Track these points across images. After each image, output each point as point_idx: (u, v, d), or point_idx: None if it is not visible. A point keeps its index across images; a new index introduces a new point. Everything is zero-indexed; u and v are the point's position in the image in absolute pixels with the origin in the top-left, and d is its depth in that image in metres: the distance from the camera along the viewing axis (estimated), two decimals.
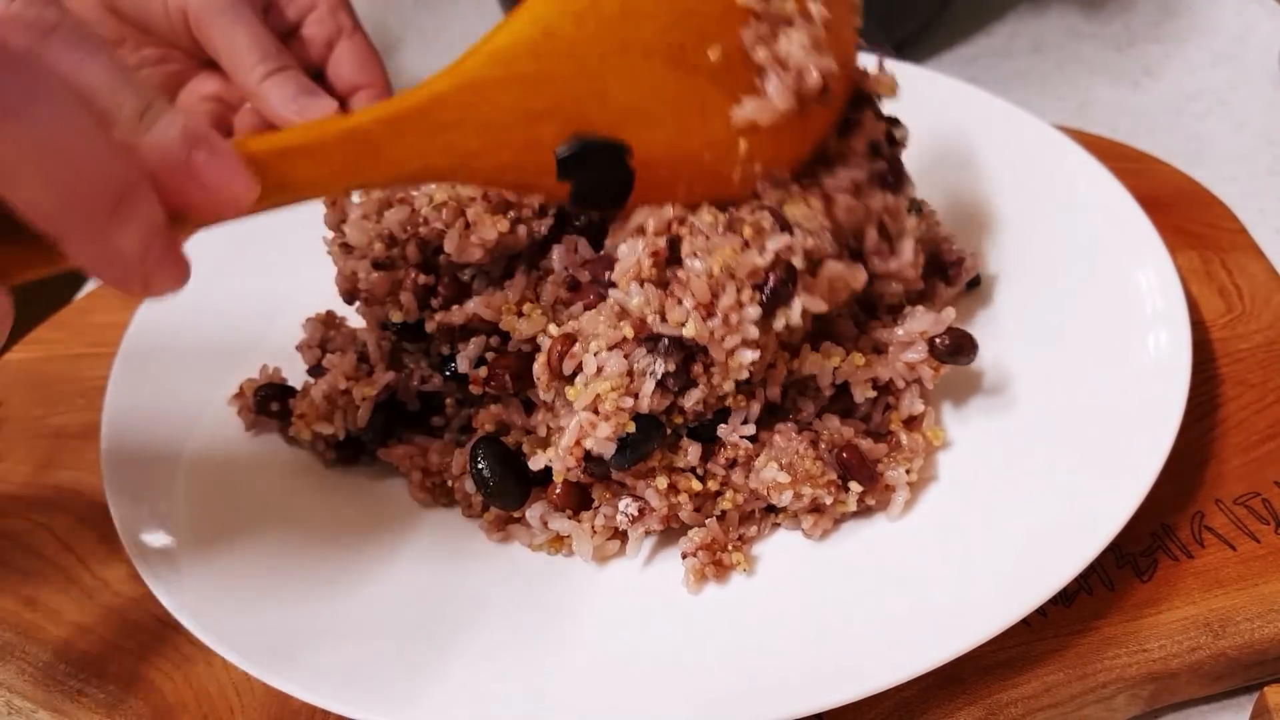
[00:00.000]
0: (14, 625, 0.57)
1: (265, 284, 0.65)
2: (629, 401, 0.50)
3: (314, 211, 0.62)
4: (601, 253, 0.55)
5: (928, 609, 0.49)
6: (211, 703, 0.52)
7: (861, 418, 0.57)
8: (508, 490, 0.55)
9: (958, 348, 0.56)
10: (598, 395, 0.50)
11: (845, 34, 0.55)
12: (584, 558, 0.54)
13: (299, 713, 0.52)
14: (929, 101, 0.77)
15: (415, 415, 0.61)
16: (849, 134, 0.57)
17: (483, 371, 0.56)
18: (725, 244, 0.50)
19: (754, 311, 0.50)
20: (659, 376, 0.51)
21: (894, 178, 0.58)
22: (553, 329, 0.53)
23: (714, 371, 0.52)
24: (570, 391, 0.51)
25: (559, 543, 0.56)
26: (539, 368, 0.51)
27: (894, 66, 0.61)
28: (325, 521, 0.57)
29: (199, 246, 0.71)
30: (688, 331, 0.49)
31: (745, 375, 0.52)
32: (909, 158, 0.60)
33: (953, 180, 0.68)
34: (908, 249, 0.58)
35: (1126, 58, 0.97)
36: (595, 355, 0.51)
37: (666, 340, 0.50)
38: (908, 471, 0.54)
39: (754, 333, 0.50)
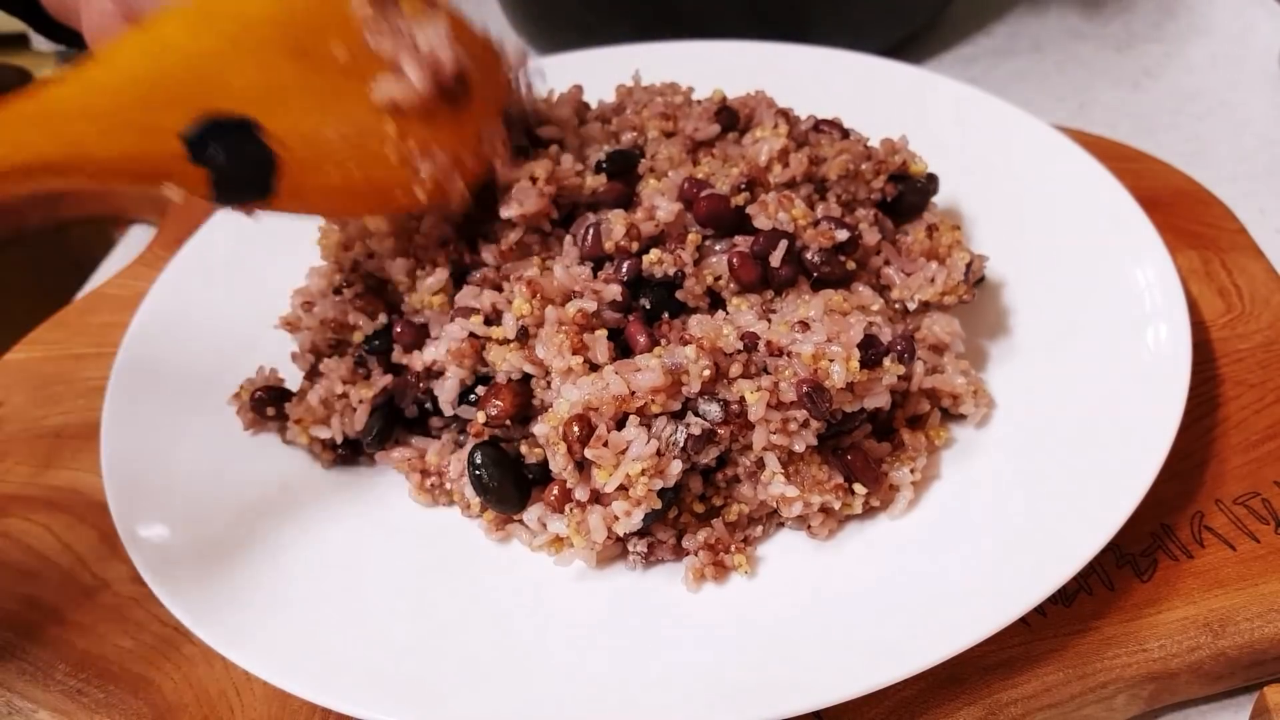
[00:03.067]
0: (14, 625, 0.57)
1: (265, 285, 0.65)
2: (658, 483, 0.50)
3: (315, 218, 0.63)
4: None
5: (927, 607, 0.49)
6: (211, 703, 0.52)
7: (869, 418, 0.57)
8: (507, 494, 0.55)
9: None
10: (628, 476, 0.50)
11: (486, 57, 0.60)
12: (586, 563, 0.54)
13: (299, 712, 0.52)
14: (929, 102, 0.77)
15: (414, 417, 0.61)
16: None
17: (481, 417, 0.56)
18: (847, 367, 0.51)
19: (811, 438, 0.52)
20: (681, 443, 0.51)
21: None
22: (566, 393, 0.52)
23: (739, 442, 0.52)
24: (599, 475, 0.50)
25: (559, 543, 0.55)
26: (563, 458, 0.51)
27: (895, 67, 0.61)
28: (324, 520, 0.57)
29: (200, 247, 0.72)
30: (750, 399, 0.50)
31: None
32: None
33: (953, 180, 0.68)
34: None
35: (1126, 58, 0.97)
36: (633, 427, 0.51)
37: (717, 405, 0.51)
38: (911, 471, 0.54)
39: (800, 448, 0.51)
